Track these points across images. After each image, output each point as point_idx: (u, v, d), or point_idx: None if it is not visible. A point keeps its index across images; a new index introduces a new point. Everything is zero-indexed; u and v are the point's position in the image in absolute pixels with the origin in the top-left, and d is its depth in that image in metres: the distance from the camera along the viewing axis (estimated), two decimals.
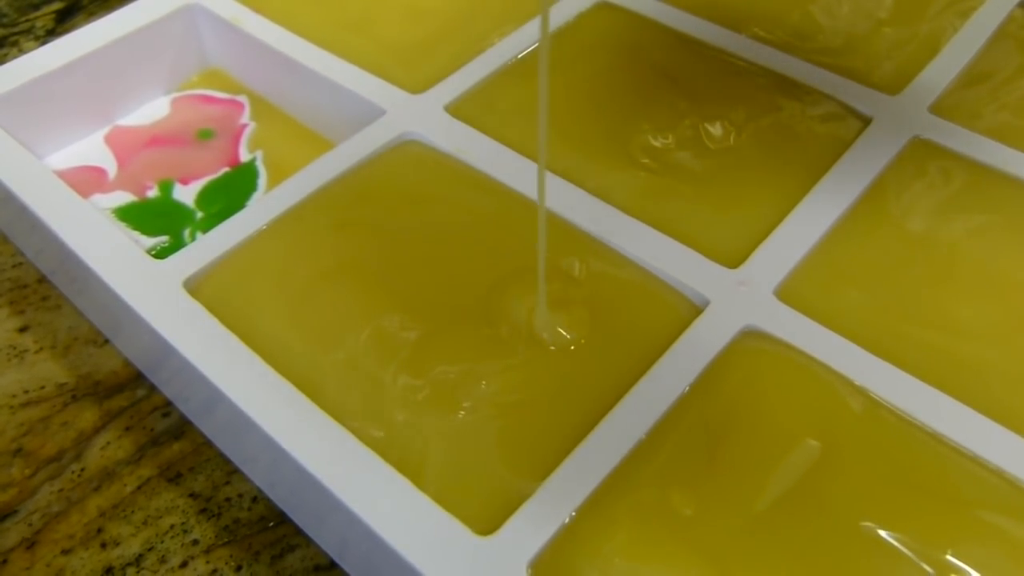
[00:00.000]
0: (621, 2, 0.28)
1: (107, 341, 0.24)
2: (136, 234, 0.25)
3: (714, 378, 0.18)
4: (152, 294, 0.20)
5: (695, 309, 0.20)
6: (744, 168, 0.23)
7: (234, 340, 0.19)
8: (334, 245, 0.21)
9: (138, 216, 0.25)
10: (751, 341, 0.19)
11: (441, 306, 0.20)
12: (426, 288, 0.20)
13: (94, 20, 0.36)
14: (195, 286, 0.20)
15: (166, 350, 0.19)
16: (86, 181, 0.26)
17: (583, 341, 0.19)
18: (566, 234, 0.21)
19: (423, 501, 0.17)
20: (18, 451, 0.22)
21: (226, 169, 0.26)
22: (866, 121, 0.24)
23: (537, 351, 0.19)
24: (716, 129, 0.24)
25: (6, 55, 0.34)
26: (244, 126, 0.28)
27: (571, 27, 0.27)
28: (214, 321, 0.19)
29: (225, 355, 0.19)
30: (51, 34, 0.35)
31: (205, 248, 0.21)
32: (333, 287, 0.20)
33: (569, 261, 0.21)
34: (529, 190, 0.22)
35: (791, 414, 0.18)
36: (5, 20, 0.35)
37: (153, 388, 0.23)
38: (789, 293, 0.20)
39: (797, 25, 0.27)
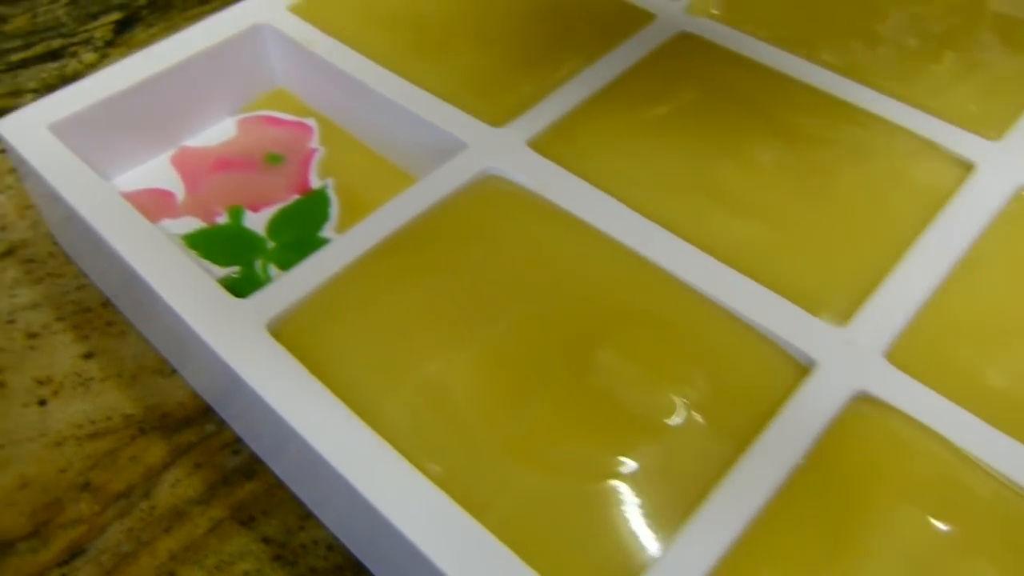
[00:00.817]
0: (704, 33, 0.27)
1: (174, 371, 0.23)
2: (207, 264, 0.24)
3: (828, 449, 0.17)
4: (233, 334, 0.19)
5: (801, 369, 0.19)
6: (842, 215, 0.22)
7: (317, 384, 0.18)
8: (417, 287, 0.21)
9: (208, 244, 0.25)
10: (863, 407, 0.18)
11: (529, 355, 0.19)
12: (514, 335, 0.20)
13: (152, 31, 0.35)
14: (277, 327, 0.20)
15: (244, 390, 0.19)
16: (155, 205, 0.26)
17: (685, 402, 0.18)
18: (659, 281, 0.20)
19: (513, 560, 0.16)
20: (86, 485, 0.21)
21: (297, 196, 0.26)
22: (968, 168, 0.23)
23: (633, 411, 0.18)
24: (810, 172, 0.23)
25: (65, 66, 0.33)
26: (314, 151, 0.27)
27: (651, 58, 0.26)
28: (297, 364, 0.19)
29: (307, 399, 0.18)
30: (110, 45, 0.34)
31: (287, 288, 0.20)
32: (416, 331, 0.20)
33: (663, 310, 0.20)
34: (617, 231, 0.21)
35: (913, 493, 0.17)
36: (64, 30, 0.35)
37: (222, 423, 0.22)
38: (900, 355, 0.19)
39: (894, 63, 0.26)
